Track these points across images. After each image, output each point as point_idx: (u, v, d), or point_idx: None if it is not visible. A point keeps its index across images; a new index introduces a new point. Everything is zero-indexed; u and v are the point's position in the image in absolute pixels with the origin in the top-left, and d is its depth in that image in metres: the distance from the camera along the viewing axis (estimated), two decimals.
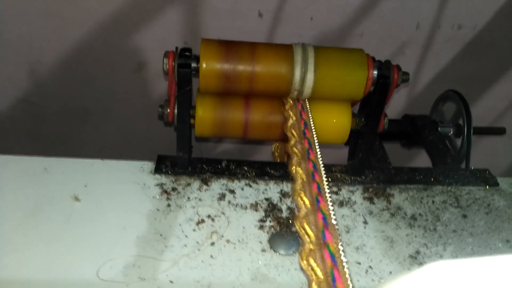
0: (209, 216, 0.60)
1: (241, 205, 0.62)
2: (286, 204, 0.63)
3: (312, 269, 0.39)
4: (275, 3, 0.88)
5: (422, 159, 1.04)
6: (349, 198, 0.65)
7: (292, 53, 0.59)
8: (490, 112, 1.09)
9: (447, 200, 0.66)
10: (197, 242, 0.56)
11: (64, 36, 0.90)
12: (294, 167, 0.52)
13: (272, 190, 0.65)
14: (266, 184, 0.66)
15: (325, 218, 0.42)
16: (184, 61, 0.59)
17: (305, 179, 0.49)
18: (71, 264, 0.52)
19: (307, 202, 0.46)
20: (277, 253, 0.56)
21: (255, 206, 0.62)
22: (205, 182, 0.65)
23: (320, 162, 0.51)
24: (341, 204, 0.64)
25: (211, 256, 0.55)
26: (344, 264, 0.37)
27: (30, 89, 0.98)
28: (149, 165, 0.67)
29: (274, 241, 0.57)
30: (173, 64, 0.59)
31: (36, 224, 0.57)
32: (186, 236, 0.57)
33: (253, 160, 0.69)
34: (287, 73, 0.59)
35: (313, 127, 0.58)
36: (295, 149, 0.55)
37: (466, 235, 0.61)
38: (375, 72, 0.61)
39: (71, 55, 0.93)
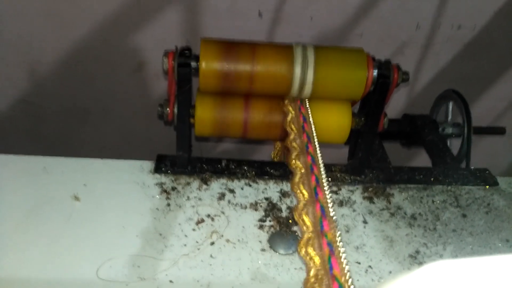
0: (208, 216, 0.60)
1: (241, 205, 0.62)
2: (286, 204, 0.63)
3: (310, 257, 0.40)
4: (275, 3, 0.88)
5: (422, 159, 1.04)
6: (349, 197, 0.65)
7: (292, 52, 0.59)
8: (490, 112, 1.09)
9: (447, 200, 0.66)
10: (197, 242, 0.56)
11: (64, 36, 0.90)
12: (293, 160, 0.53)
13: (272, 189, 0.65)
14: (266, 183, 0.66)
15: (323, 209, 0.43)
16: (184, 60, 0.59)
17: (303, 172, 0.51)
18: (71, 264, 0.52)
19: (305, 193, 0.47)
20: (277, 253, 0.56)
21: (254, 206, 0.62)
22: (205, 181, 0.65)
23: (319, 155, 0.52)
24: (341, 203, 0.64)
25: (211, 256, 0.55)
26: (341, 252, 0.38)
27: (30, 89, 0.98)
28: (149, 165, 0.67)
29: (273, 241, 0.57)
30: (173, 63, 0.59)
31: (36, 224, 0.57)
32: (186, 236, 0.57)
33: (253, 160, 0.69)
34: (287, 73, 0.59)
35: (311, 122, 0.58)
36: (294, 144, 0.56)
37: (466, 235, 0.61)
38: (375, 71, 0.61)
39: (71, 55, 0.93)
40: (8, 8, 0.86)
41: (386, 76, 0.61)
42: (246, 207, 0.62)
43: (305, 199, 0.47)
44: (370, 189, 0.66)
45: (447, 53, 0.98)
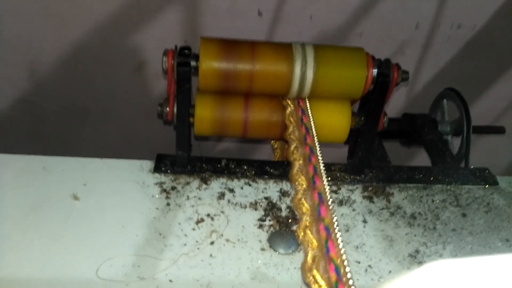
0: (208, 215, 0.60)
1: (241, 204, 0.62)
2: (286, 203, 0.63)
3: (308, 240, 0.42)
4: (275, 2, 0.88)
5: (421, 158, 1.05)
6: (349, 197, 0.65)
7: (292, 51, 0.59)
8: (490, 112, 1.09)
9: (447, 199, 0.66)
10: (197, 241, 0.56)
11: (64, 36, 0.90)
12: (292, 152, 0.55)
13: (271, 189, 0.65)
14: (266, 183, 0.66)
15: (321, 195, 0.45)
16: (184, 59, 0.59)
17: (302, 163, 0.52)
18: (70, 263, 0.52)
19: (304, 183, 0.50)
20: (277, 252, 0.56)
21: (254, 205, 0.62)
22: (205, 181, 0.65)
23: (317, 146, 0.53)
24: (341, 203, 0.64)
25: (211, 255, 0.55)
26: (338, 236, 0.40)
27: (30, 89, 0.98)
28: (149, 164, 0.67)
29: (273, 240, 0.57)
30: (172, 62, 0.59)
31: (36, 223, 0.57)
32: (186, 235, 0.57)
33: (252, 159, 0.69)
34: (286, 72, 0.59)
35: (310, 115, 0.59)
36: (292, 136, 0.57)
37: (466, 234, 0.61)
38: (375, 70, 0.60)
39: (71, 55, 0.93)
40: (8, 8, 0.86)
41: (386, 75, 0.61)
42: (245, 207, 0.62)
43: (303, 187, 0.49)
44: (369, 189, 0.66)
45: (447, 53, 0.98)
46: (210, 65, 0.58)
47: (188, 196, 0.62)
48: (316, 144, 0.54)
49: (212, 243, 0.56)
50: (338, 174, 0.68)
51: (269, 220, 0.60)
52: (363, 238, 0.59)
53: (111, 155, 0.69)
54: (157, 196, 0.62)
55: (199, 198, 0.62)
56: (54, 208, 0.59)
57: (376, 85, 0.61)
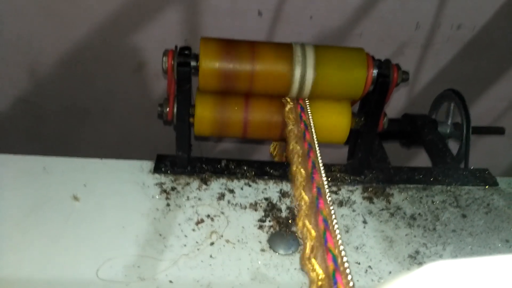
0: (208, 216, 0.60)
1: (241, 205, 0.62)
2: (286, 204, 0.63)
3: (307, 230, 0.44)
4: (275, 2, 0.88)
5: (421, 159, 1.05)
6: (349, 197, 0.65)
7: (292, 51, 0.59)
8: (490, 112, 1.09)
9: (447, 200, 0.66)
10: (197, 242, 0.56)
11: (64, 36, 0.90)
12: (291, 148, 0.56)
13: (271, 189, 0.65)
14: (266, 183, 0.66)
15: (319, 189, 0.47)
16: (184, 59, 0.59)
17: (301, 158, 0.54)
18: (70, 264, 0.52)
19: (303, 177, 0.51)
20: (277, 253, 0.56)
21: (254, 206, 0.62)
22: (205, 181, 0.65)
23: (315, 142, 0.55)
24: (341, 203, 0.64)
25: (211, 256, 0.55)
26: (336, 227, 0.41)
27: (30, 89, 0.98)
28: (149, 165, 0.67)
29: (273, 241, 0.57)
30: (172, 62, 0.59)
31: (35, 224, 0.57)
32: (186, 236, 0.57)
33: (252, 160, 0.69)
34: (286, 72, 0.59)
35: (309, 112, 0.60)
36: (291, 133, 0.58)
37: (466, 235, 0.61)
38: (375, 71, 0.60)
39: (71, 55, 0.93)
40: (8, 8, 0.86)
41: (386, 76, 0.61)
42: (245, 207, 0.62)
43: (302, 181, 0.51)
44: (369, 189, 0.66)
45: (447, 53, 0.98)
46: (210, 65, 0.58)
47: (188, 197, 0.62)
48: (315, 140, 0.55)
49: (212, 243, 0.56)
50: (338, 175, 0.68)
51: (269, 221, 0.60)
52: (363, 239, 0.59)
53: (111, 155, 0.69)
54: (157, 196, 0.62)
55: (199, 199, 0.62)
56: (54, 208, 0.59)
57: (376, 86, 0.61)
